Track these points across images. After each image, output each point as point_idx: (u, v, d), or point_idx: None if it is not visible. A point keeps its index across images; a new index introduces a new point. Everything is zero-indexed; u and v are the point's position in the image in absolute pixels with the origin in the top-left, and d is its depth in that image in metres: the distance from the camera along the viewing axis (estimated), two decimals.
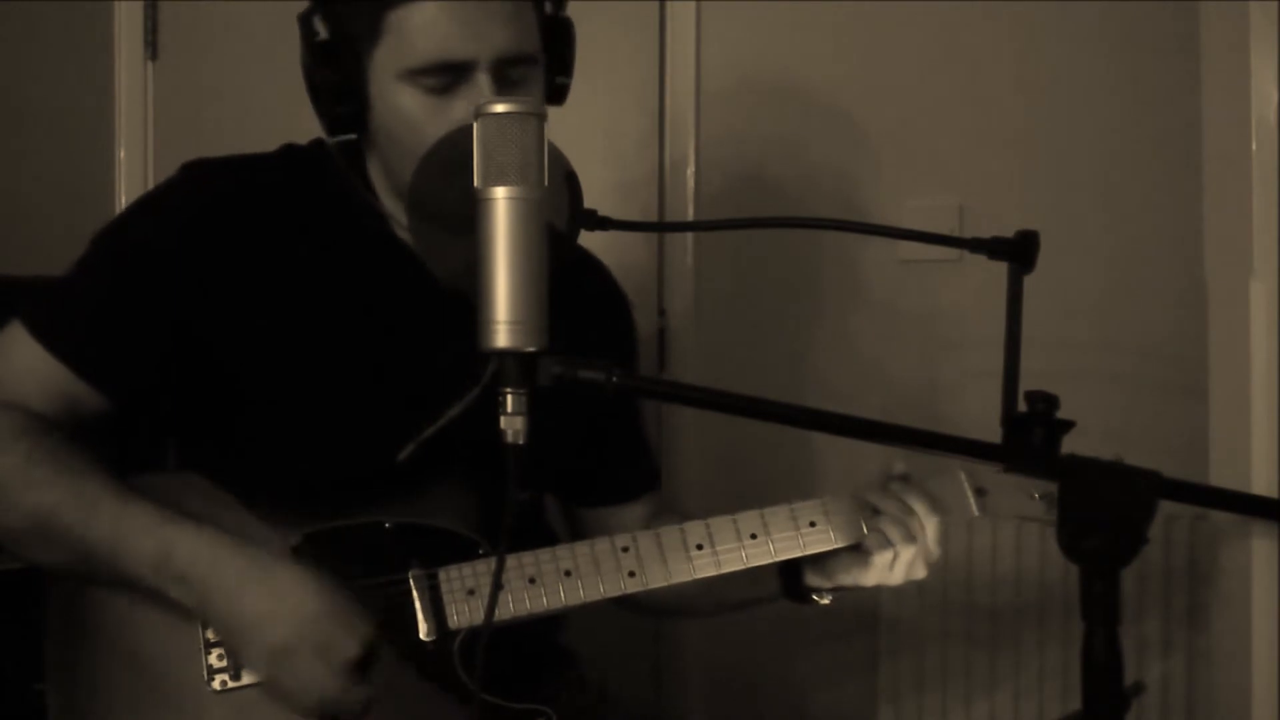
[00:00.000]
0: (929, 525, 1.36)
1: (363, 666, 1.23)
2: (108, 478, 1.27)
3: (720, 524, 1.36)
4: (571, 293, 1.46)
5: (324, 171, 1.41)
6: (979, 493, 1.39)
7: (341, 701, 1.22)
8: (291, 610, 1.21)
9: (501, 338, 0.97)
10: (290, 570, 1.23)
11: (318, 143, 1.43)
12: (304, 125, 1.42)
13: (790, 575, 1.44)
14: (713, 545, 1.35)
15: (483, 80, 1.28)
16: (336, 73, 1.31)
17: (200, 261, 1.32)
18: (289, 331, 1.34)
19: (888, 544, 1.35)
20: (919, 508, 1.36)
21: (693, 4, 2.34)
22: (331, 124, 1.35)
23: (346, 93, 1.32)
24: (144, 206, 1.39)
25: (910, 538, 1.35)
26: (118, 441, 1.34)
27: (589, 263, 1.59)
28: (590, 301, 1.53)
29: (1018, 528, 2.05)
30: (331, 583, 1.23)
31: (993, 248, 1.31)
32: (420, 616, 1.28)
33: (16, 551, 1.28)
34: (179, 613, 1.25)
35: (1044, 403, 1.13)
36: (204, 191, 1.36)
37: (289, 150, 1.43)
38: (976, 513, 1.39)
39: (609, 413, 1.55)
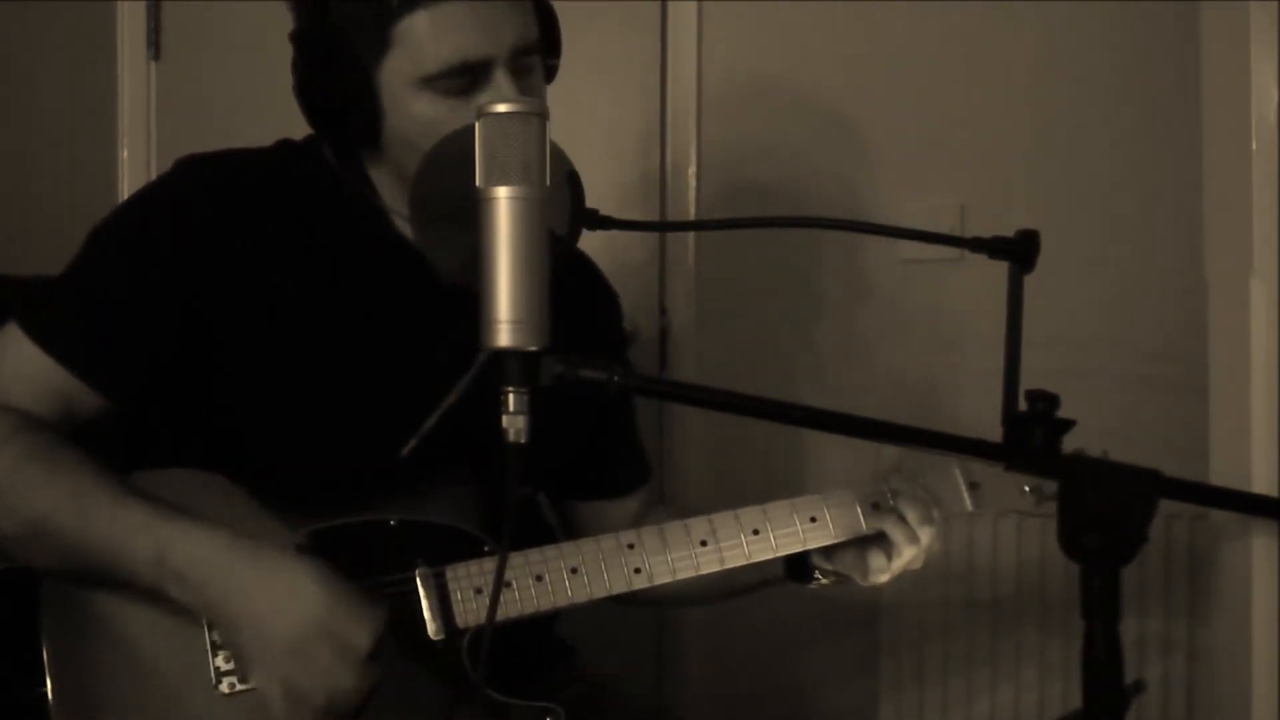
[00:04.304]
0: (928, 532, 1.38)
1: (373, 657, 1.21)
2: (103, 475, 1.25)
3: (723, 519, 1.37)
4: (563, 290, 1.47)
5: (321, 166, 1.40)
6: (972, 486, 1.41)
7: (354, 693, 1.19)
8: (300, 607, 1.18)
9: (503, 337, 0.97)
10: (294, 565, 1.21)
11: (314, 138, 1.42)
12: (306, 125, 1.43)
13: (794, 555, 1.44)
14: (716, 541, 1.36)
15: (500, 76, 1.28)
16: (343, 87, 1.30)
17: (194, 256, 1.31)
18: (287, 327, 1.34)
19: (888, 544, 1.38)
20: (919, 509, 1.37)
21: (694, 4, 2.34)
22: (338, 140, 1.35)
23: (355, 105, 1.30)
24: (138, 202, 1.38)
25: (913, 538, 1.37)
26: (114, 443, 1.32)
27: (579, 260, 1.59)
28: (576, 296, 1.53)
29: (1018, 523, 2.06)
30: (335, 574, 1.21)
31: (993, 247, 1.31)
32: (428, 615, 1.28)
33: (12, 554, 1.26)
34: (183, 614, 1.23)
35: (1044, 402, 1.13)
36: (198, 186, 1.35)
37: (285, 145, 1.43)
38: (970, 507, 1.41)
39: (603, 408, 1.55)
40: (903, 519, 1.37)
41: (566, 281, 1.49)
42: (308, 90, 1.33)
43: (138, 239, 1.33)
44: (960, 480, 1.41)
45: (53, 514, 1.22)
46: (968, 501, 1.41)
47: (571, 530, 1.58)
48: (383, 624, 1.21)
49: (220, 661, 1.25)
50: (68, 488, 1.23)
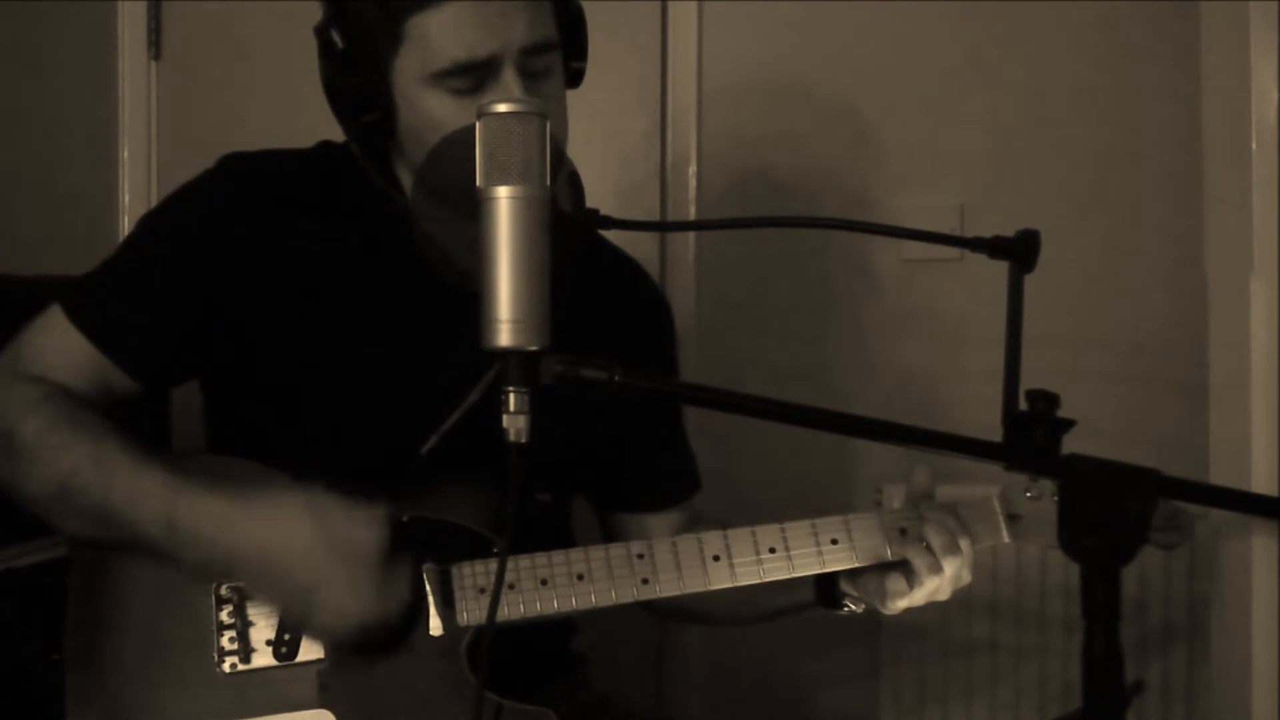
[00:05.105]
0: (953, 562, 1.33)
1: (390, 556, 1.24)
2: (126, 441, 1.29)
3: (738, 536, 1.34)
4: (610, 298, 1.47)
5: (354, 166, 1.43)
6: (1011, 518, 1.36)
7: (380, 589, 1.23)
8: (299, 535, 1.22)
9: (504, 337, 0.98)
10: (279, 499, 1.24)
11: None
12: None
13: (824, 580, 1.42)
14: (729, 557, 1.33)
15: (509, 76, 1.29)
16: (359, 82, 1.32)
17: (228, 252, 1.35)
18: (309, 325, 1.36)
19: (913, 573, 1.33)
20: (944, 537, 1.33)
21: (694, 3, 2.34)
22: (357, 132, 1.37)
23: (370, 101, 1.33)
24: (180, 196, 1.42)
25: (936, 567, 1.33)
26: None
27: (630, 268, 1.59)
28: (629, 308, 1.54)
29: None
30: (325, 493, 1.24)
31: (994, 247, 1.31)
32: (431, 611, 1.29)
33: (44, 517, 1.31)
34: (194, 595, 1.28)
35: (1045, 401, 1.13)
36: (237, 183, 1.39)
37: (324, 146, 1.45)
38: (1008, 539, 1.36)
39: (645, 417, 1.55)
40: (928, 546, 1.33)
41: (620, 292, 1.51)
42: (328, 85, 1.35)
43: (172, 232, 1.39)
44: (999, 511, 1.35)
45: (76, 475, 1.27)
46: (1005, 533, 1.35)
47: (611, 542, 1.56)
48: (381, 520, 1.23)
49: (225, 642, 1.28)
50: (90, 451, 1.28)
